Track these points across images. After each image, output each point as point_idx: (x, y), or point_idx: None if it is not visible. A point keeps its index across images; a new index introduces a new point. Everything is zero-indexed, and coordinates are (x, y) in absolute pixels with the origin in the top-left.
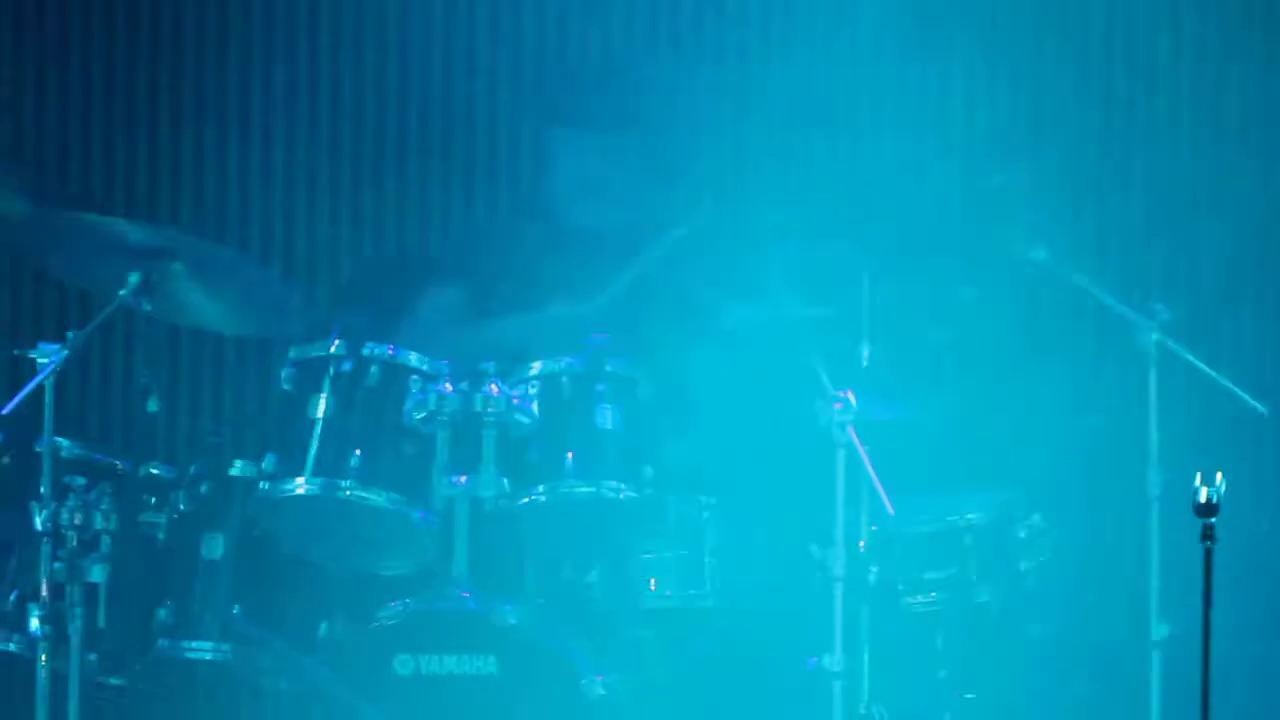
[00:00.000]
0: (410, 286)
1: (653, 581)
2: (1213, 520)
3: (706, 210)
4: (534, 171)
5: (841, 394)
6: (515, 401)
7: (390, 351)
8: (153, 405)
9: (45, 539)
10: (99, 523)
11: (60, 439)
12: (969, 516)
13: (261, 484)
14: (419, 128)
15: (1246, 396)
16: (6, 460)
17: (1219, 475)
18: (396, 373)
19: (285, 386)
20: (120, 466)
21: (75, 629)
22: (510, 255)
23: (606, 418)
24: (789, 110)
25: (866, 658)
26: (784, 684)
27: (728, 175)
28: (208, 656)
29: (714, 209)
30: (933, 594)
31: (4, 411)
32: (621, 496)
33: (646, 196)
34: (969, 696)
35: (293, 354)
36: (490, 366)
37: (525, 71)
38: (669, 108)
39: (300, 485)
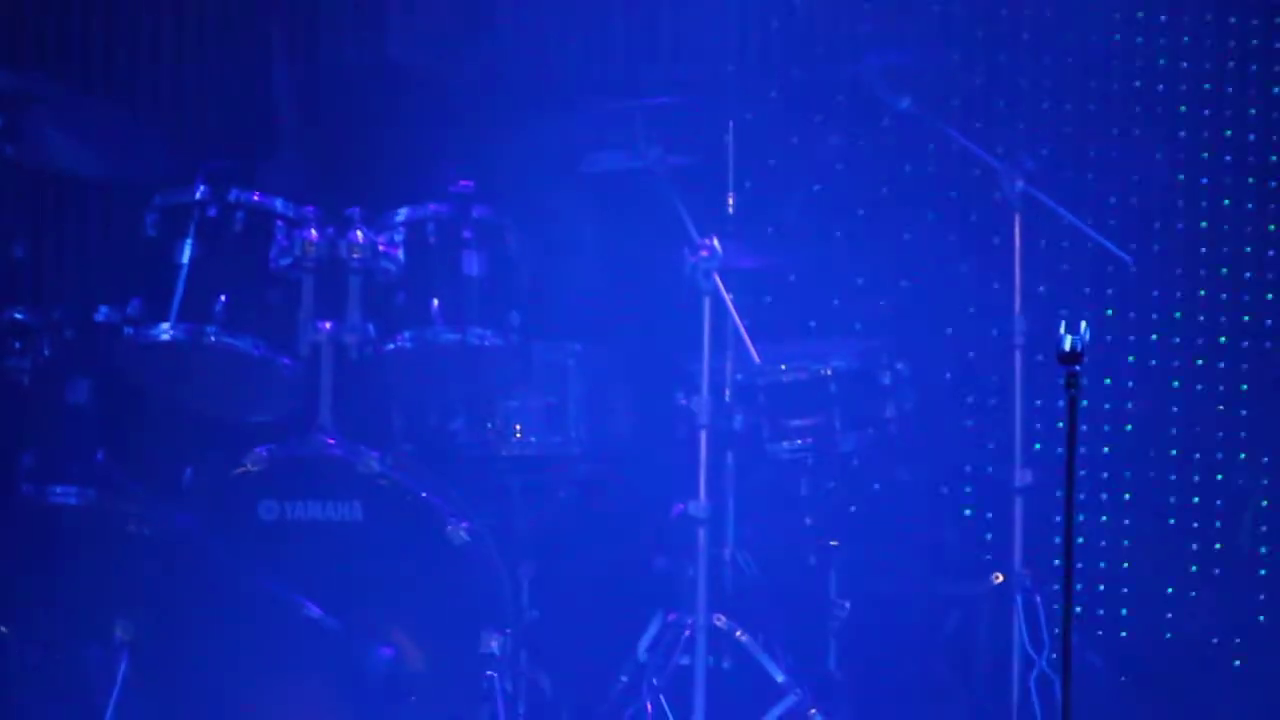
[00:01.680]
0: (272, 130)
1: (518, 428)
2: (1077, 368)
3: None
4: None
5: (706, 241)
6: (381, 248)
7: (255, 197)
8: (17, 251)
9: None
10: None
11: None
12: (833, 364)
13: (126, 329)
14: None
15: (1111, 246)
16: None
17: (1083, 324)
18: (262, 218)
19: (150, 232)
20: None
21: None
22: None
23: (473, 264)
24: None
25: (731, 504)
26: (649, 530)
27: (593, 28)
28: (72, 502)
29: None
30: (798, 441)
31: None
32: (487, 344)
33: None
34: (833, 543)
35: (157, 200)
36: (355, 212)
37: None
38: None
39: (165, 331)
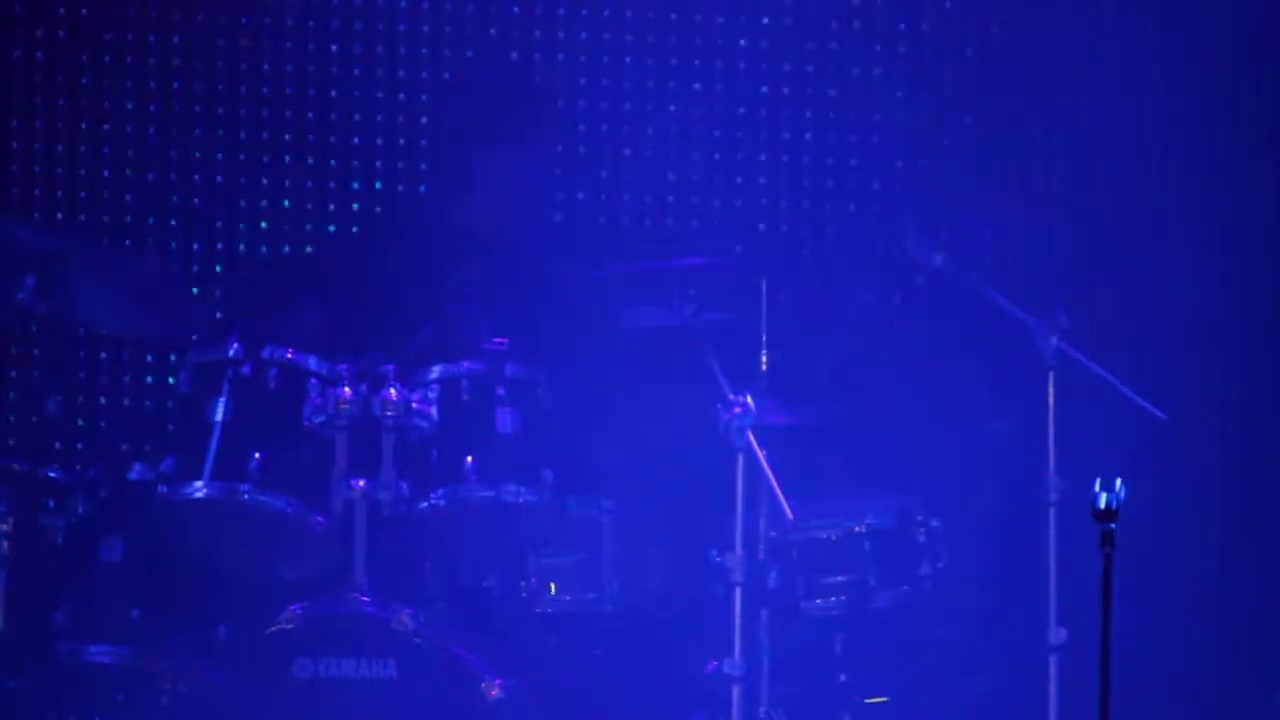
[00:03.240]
0: (307, 290)
1: (552, 586)
2: (1112, 526)
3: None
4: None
5: (740, 399)
6: (414, 405)
7: (289, 355)
8: (51, 408)
9: None
10: None
11: None
12: (868, 521)
13: (160, 487)
14: (319, 130)
15: (1145, 403)
16: None
17: (1118, 481)
18: (295, 376)
19: (183, 390)
20: (17, 469)
21: None
22: (397, 264)
23: (506, 421)
24: (685, 116)
25: (766, 662)
26: (683, 688)
27: (624, 183)
28: (106, 660)
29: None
30: (832, 598)
31: None
32: (520, 500)
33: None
34: (868, 701)
35: (191, 357)
36: (390, 370)
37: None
38: (565, 119)
39: (199, 489)
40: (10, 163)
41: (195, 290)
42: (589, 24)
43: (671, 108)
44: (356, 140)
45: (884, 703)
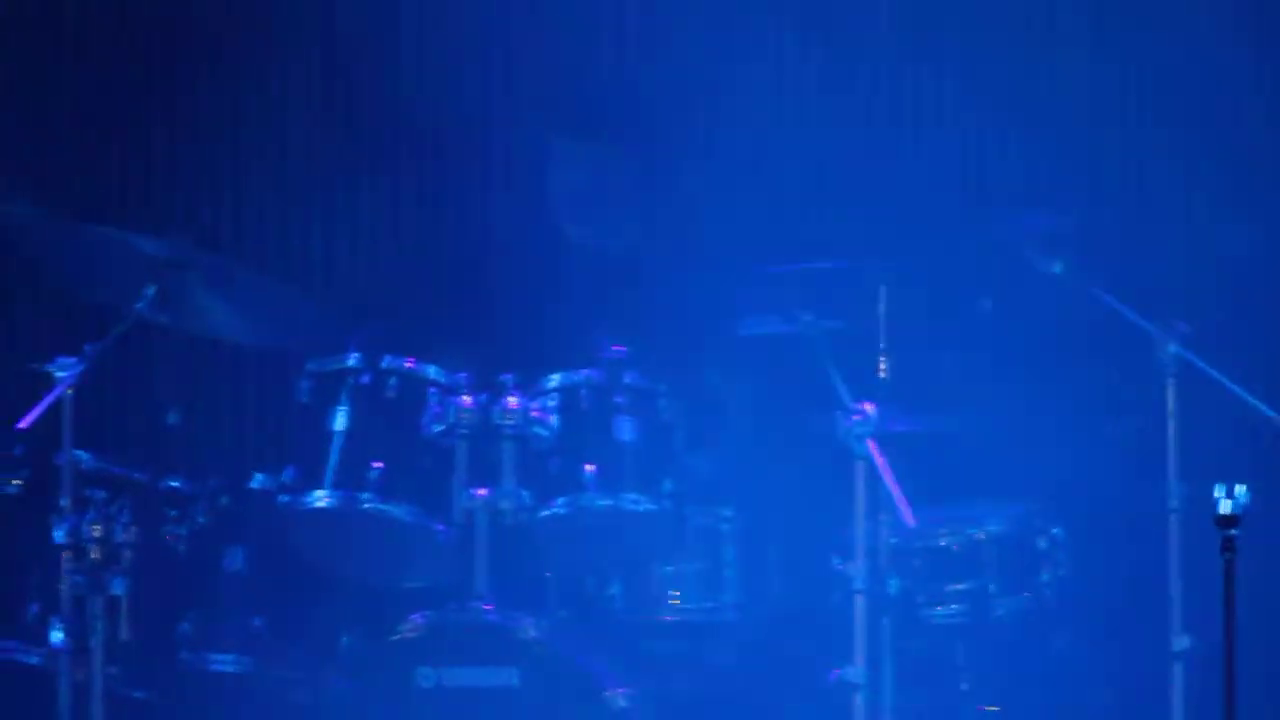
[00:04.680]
0: (425, 299)
1: (673, 594)
2: (1233, 531)
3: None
4: (539, 184)
5: (860, 406)
6: (534, 414)
7: (408, 364)
8: (172, 418)
9: (66, 552)
10: (119, 536)
11: (80, 452)
12: (989, 529)
13: (281, 497)
14: (433, 138)
15: (1265, 409)
16: (27, 474)
17: (1240, 487)
18: (415, 385)
19: (304, 399)
20: (140, 479)
21: (97, 642)
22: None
23: (625, 430)
24: (799, 116)
25: (887, 670)
26: (805, 696)
27: (741, 190)
28: (230, 669)
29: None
30: (953, 606)
31: (23, 425)
32: (641, 509)
33: (640, 209)
34: (990, 708)
35: (311, 366)
36: (509, 378)
37: (529, 82)
38: (664, 117)
39: (320, 498)
40: (131, 171)
41: (315, 300)
42: (704, 32)
43: (783, 113)
44: (469, 150)
45: (1000, 711)
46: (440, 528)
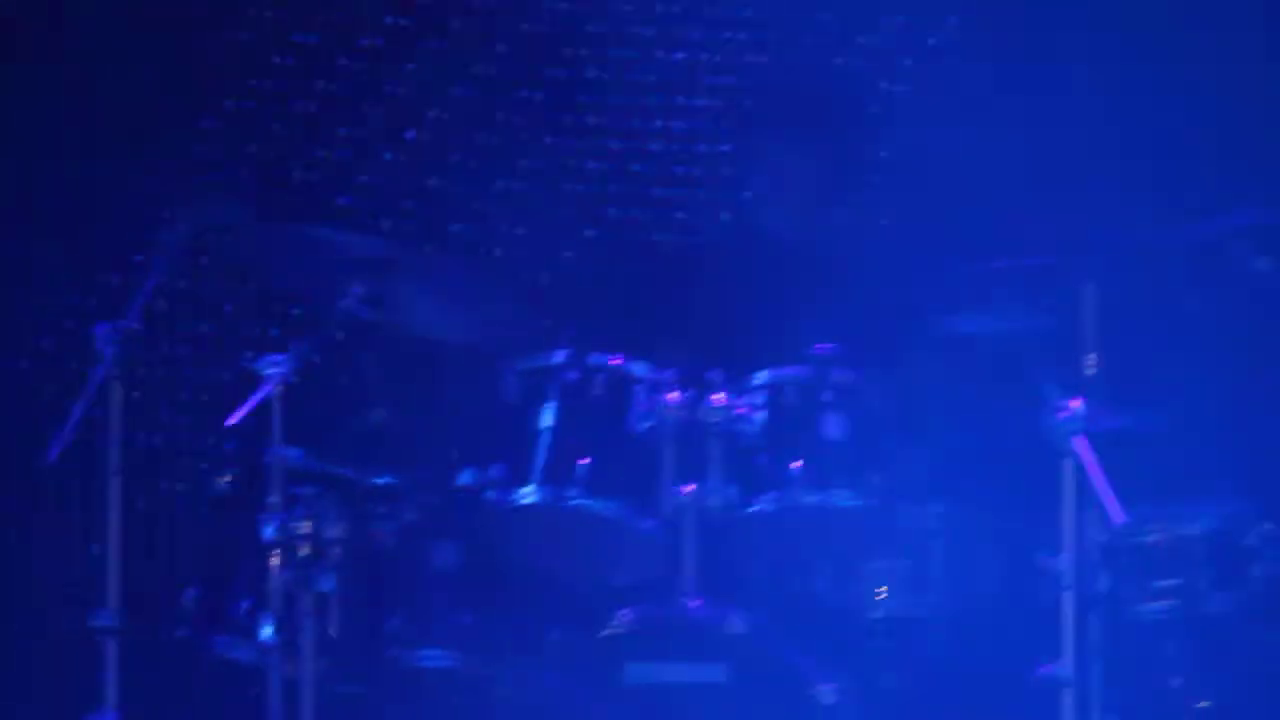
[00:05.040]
0: (633, 297)
1: (881, 590)
2: None
3: None
4: (746, 178)
5: (1068, 403)
6: (741, 410)
7: (615, 361)
8: (380, 415)
9: (275, 549)
10: (328, 532)
11: (288, 450)
12: (1198, 525)
13: (489, 494)
14: (637, 133)
15: None
16: (237, 471)
17: None
18: (622, 382)
19: (511, 397)
20: (348, 476)
21: (306, 638)
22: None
23: (833, 426)
24: (1007, 112)
25: (1096, 666)
26: (1012, 692)
27: (944, 186)
28: (439, 665)
29: None
30: (1163, 602)
31: (232, 423)
32: (849, 505)
33: (847, 204)
34: (1202, 705)
35: (518, 364)
36: (716, 375)
37: (732, 75)
38: (870, 111)
39: (528, 495)
40: (336, 172)
41: (522, 298)
42: (909, 22)
43: (990, 109)
44: (674, 145)
45: (1211, 707)
46: (647, 524)
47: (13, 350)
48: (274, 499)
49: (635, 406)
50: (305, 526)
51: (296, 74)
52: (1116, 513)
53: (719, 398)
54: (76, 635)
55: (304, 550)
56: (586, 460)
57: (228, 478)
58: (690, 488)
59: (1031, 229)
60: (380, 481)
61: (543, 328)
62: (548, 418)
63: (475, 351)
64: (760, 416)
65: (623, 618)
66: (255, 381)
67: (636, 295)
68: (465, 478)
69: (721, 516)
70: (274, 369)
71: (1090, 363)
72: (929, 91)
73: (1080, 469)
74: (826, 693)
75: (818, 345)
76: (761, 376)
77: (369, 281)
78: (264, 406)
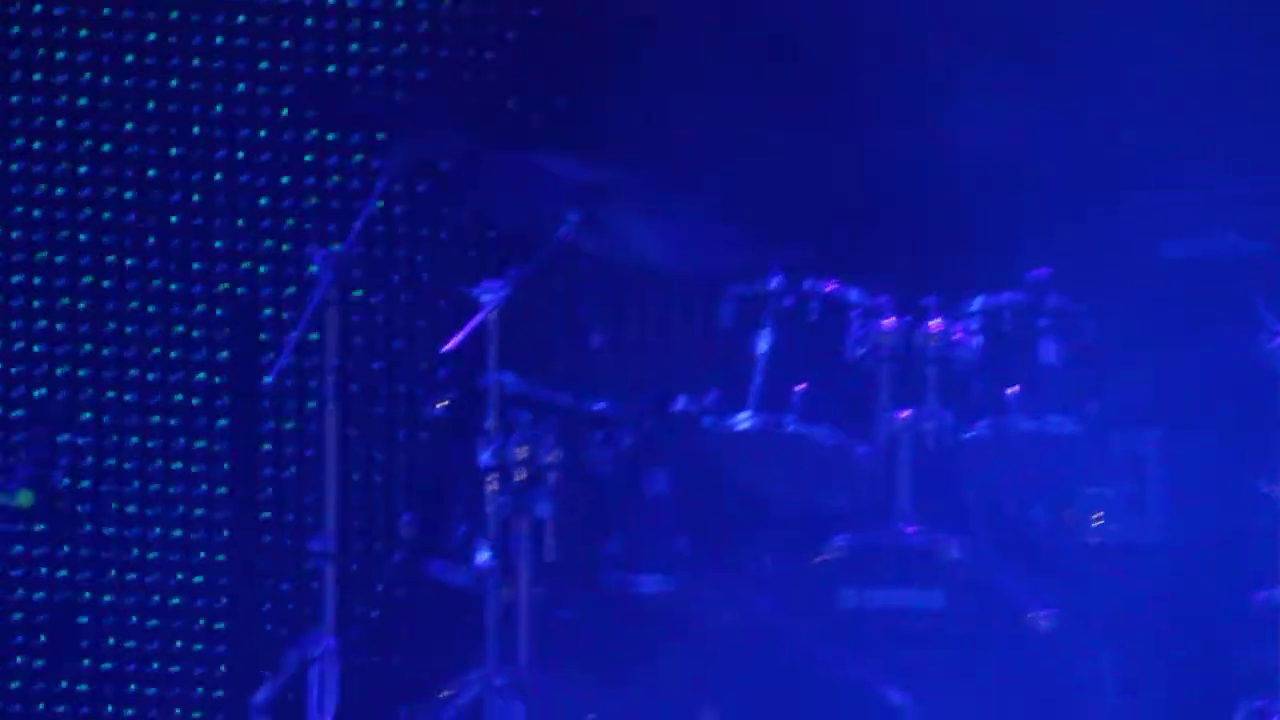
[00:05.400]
0: (845, 222)
1: (1097, 516)
2: None
3: None
4: (961, 104)
5: None
6: (957, 336)
7: (831, 287)
8: (596, 341)
9: (492, 474)
10: (545, 458)
11: (505, 375)
12: None
13: (704, 419)
14: (851, 58)
15: None
16: (454, 397)
17: None
18: (837, 308)
19: (726, 323)
20: (565, 402)
21: (523, 563)
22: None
23: (1049, 352)
24: (1220, 40)
25: None
26: (1231, 618)
27: (1159, 110)
28: (654, 589)
29: None
30: None
31: (449, 349)
32: (1065, 432)
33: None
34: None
35: (733, 290)
36: (932, 301)
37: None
38: (1079, 37)
39: (744, 420)
40: (555, 99)
41: (737, 224)
42: None
43: (1201, 33)
44: (888, 69)
45: None
46: (862, 450)
47: (234, 275)
48: (491, 425)
49: (851, 332)
50: (522, 452)
51: (511, 1)
52: None
53: (935, 324)
54: (296, 560)
55: (520, 476)
56: (802, 386)
57: (445, 404)
58: (906, 413)
59: (1250, 153)
60: (596, 407)
61: (758, 254)
62: (764, 343)
63: (691, 277)
64: (976, 342)
65: (838, 543)
66: (472, 308)
67: (852, 221)
68: (681, 403)
69: (937, 442)
70: (491, 295)
71: None
72: (1148, 13)
73: None
74: (1041, 619)
75: (1034, 271)
76: (977, 302)
77: (586, 208)
78: (481, 332)
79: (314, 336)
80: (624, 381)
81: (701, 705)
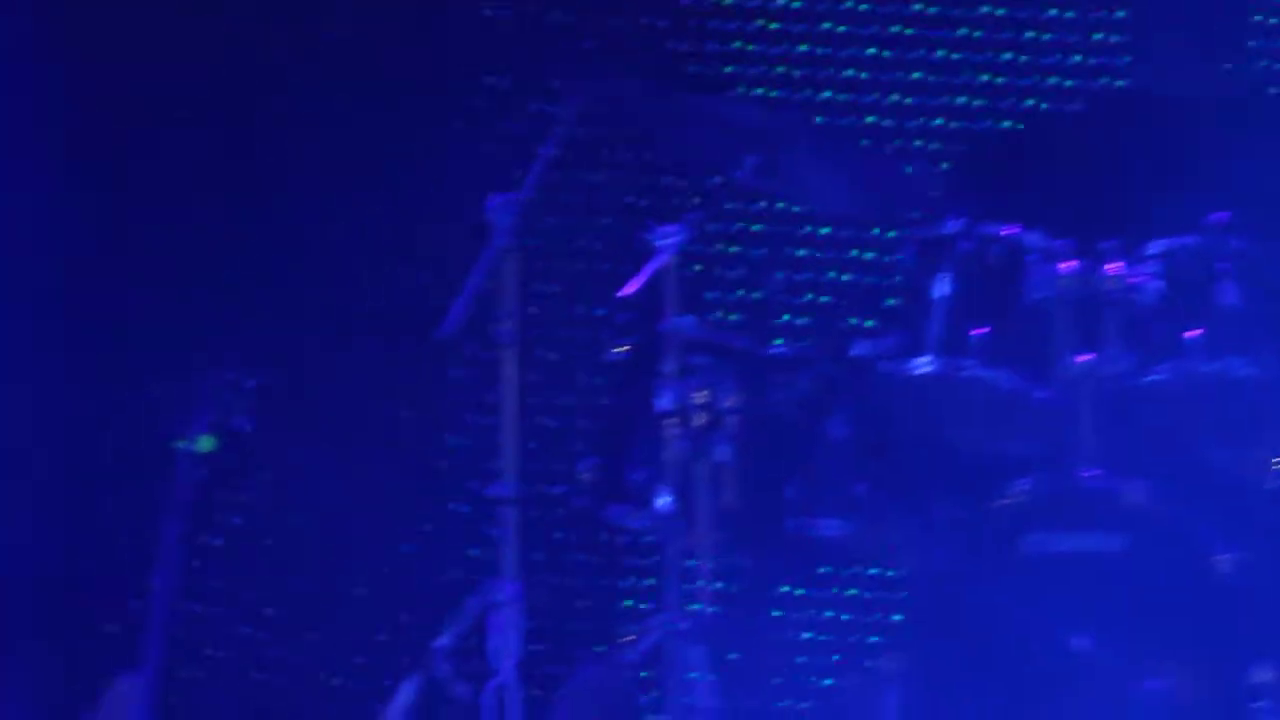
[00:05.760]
0: (1025, 166)
1: (1278, 461)
2: None
3: None
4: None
5: None
6: (1136, 279)
7: (1009, 231)
8: (774, 285)
9: (671, 419)
10: (724, 402)
11: (684, 319)
12: None
13: (883, 364)
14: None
15: None
16: (633, 341)
17: None
18: (1015, 251)
19: (904, 266)
20: (742, 347)
21: (702, 508)
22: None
23: (1230, 295)
24: None
25: None
26: None
27: None
28: (835, 534)
29: None
30: None
31: (627, 293)
32: (1247, 375)
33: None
34: None
35: (912, 233)
36: (1110, 245)
37: None
38: None
39: (923, 364)
40: (724, 42)
41: (915, 167)
42: None
43: None
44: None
45: None
46: (1043, 394)
47: (416, 220)
48: (669, 369)
49: (1030, 276)
50: (701, 396)
51: None
52: None
53: (1114, 267)
54: (476, 506)
55: (700, 420)
56: (982, 330)
57: (624, 348)
58: (1086, 357)
59: None
60: (775, 351)
61: (937, 198)
62: (943, 287)
63: (868, 222)
64: (1156, 285)
65: (1019, 488)
66: (650, 252)
67: (1031, 164)
68: (861, 347)
69: (1118, 386)
70: (668, 239)
71: None
72: None
73: None
74: (1225, 562)
75: (1214, 213)
76: (1157, 245)
77: (762, 152)
78: (659, 277)
79: (489, 284)
80: (801, 326)
81: (883, 652)
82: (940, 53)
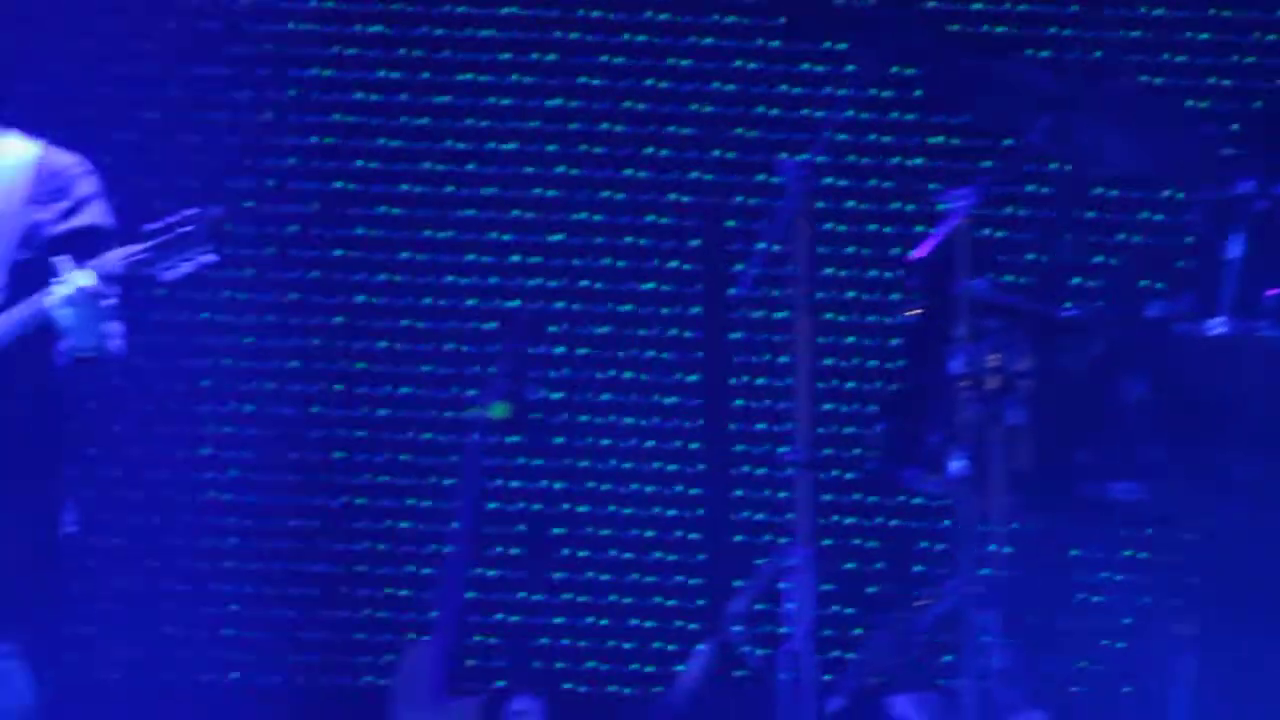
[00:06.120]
0: None
1: None
2: None
3: None
4: None
5: None
6: None
7: None
8: (1065, 248)
9: (964, 382)
10: (1016, 365)
11: (976, 282)
12: None
13: (1178, 325)
14: None
15: None
16: (925, 305)
17: None
18: None
19: (1197, 227)
20: (1036, 309)
21: (996, 471)
22: None
23: None
24: None
25: None
26: None
27: None
28: (1129, 497)
29: None
30: None
31: (919, 257)
32: None
33: None
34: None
35: (1203, 194)
36: None
37: None
38: None
39: (1217, 325)
40: (1016, 5)
41: (1205, 128)
42: None
43: None
44: None
45: None
46: None
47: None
48: (962, 332)
49: None
50: (993, 359)
51: None
52: None
53: None
54: (769, 470)
55: (992, 383)
56: (1275, 291)
57: (916, 311)
58: None
59: None
60: (1068, 313)
61: (1229, 158)
62: (1236, 248)
63: (1158, 182)
64: None
65: None
66: (942, 215)
67: None
68: (1154, 309)
69: None
70: (960, 202)
71: None
72: None
73: None
74: None
75: None
76: None
77: (1055, 115)
78: (951, 239)
79: (781, 247)
80: (1094, 287)
81: (1181, 615)
82: (1227, 12)
